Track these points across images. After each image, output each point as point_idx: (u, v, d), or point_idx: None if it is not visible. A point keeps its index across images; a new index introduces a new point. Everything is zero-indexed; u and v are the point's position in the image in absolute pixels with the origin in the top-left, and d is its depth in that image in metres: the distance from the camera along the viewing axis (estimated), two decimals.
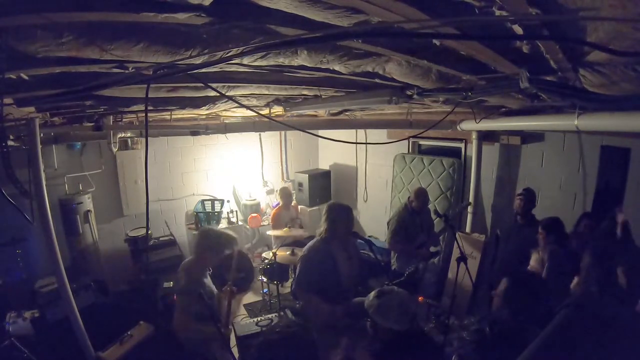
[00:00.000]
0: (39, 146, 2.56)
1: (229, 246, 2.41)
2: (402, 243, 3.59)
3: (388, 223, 3.79)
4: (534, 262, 2.24)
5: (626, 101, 1.58)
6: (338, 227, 2.58)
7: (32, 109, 2.26)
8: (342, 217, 2.61)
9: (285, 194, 5.18)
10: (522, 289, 1.65)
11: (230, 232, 2.50)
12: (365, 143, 5.49)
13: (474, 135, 4.12)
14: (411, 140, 5.02)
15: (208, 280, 2.42)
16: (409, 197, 3.73)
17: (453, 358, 1.44)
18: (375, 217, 5.63)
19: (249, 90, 2.17)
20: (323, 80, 1.94)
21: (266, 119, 3.06)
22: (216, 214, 5.25)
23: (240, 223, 5.51)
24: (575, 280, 2.16)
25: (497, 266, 3.42)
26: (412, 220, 3.62)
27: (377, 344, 1.68)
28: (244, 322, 3.21)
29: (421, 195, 3.62)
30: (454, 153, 4.63)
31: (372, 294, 1.80)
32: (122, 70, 1.38)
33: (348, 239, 2.71)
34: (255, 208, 5.69)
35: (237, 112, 3.62)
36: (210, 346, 2.26)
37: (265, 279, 4.41)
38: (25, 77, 1.45)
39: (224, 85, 1.97)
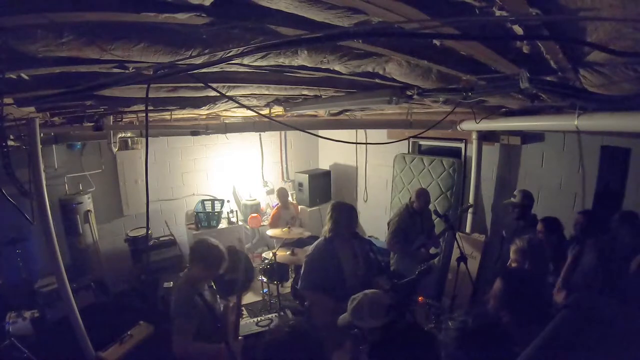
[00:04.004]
0: (39, 146, 2.56)
1: (220, 262, 2.18)
2: (402, 244, 3.59)
3: (388, 224, 3.78)
4: (512, 253, 2.27)
5: (626, 101, 1.58)
6: (342, 227, 2.59)
7: (32, 109, 2.26)
8: (345, 217, 2.61)
9: (282, 194, 5.21)
10: (520, 289, 1.65)
11: (222, 247, 2.24)
12: (365, 143, 5.49)
13: (474, 136, 4.12)
14: (411, 140, 5.02)
15: (204, 295, 2.19)
16: (410, 198, 3.72)
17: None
18: (375, 217, 5.63)
19: (249, 90, 2.17)
20: (323, 80, 1.94)
21: (266, 119, 3.07)
22: (216, 214, 5.25)
23: (240, 223, 5.51)
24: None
25: (500, 266, 3.42)
26: (412, 221, 3.62)
27: (369, 346, 1.70)
28: (244, 322, 3.21)
29: (422, 195, 3.61)
30: (454, 153, 4.63)
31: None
32: (122, 70, 1.38)
33: (353, 238, 2.72)
34: (255, 208, 5.69)
35: (237, 112, 3.62)
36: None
37: (265, 279, 4.41)
38: (25, 77, 1.45)
39: (224, 85, 1.97)
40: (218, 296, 2.37)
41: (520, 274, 1.94)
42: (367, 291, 1.82)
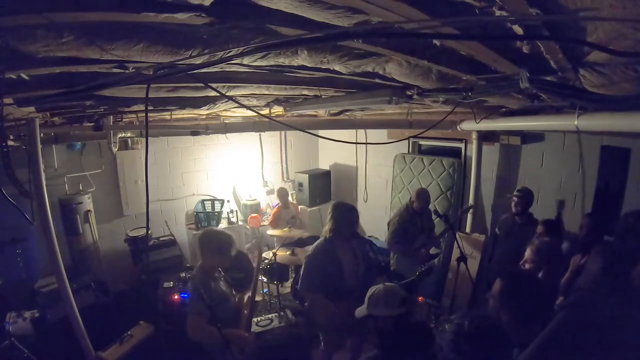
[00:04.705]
0: (39, 146, 2.56)
1: (229, 246, 2.29)
2: (402, 244, 3.58)
3: (389, 224, 3.78)
4: (530, 254, 2.27)
5: (626, 101, 1.58)
6: (342, 227, 2.58)
7: (32, 109, 2.26)
8: (346, 217, 2.61)
9: (282, 194, 5.23)
10: (522, 289, 1.65)
11: (231, 234, 2.39)
12: (365, 143, 5.49)
13: (474, 135, 4.12)
14: (411, 140, 5.02)
15: (219, 284, 2.30)
16: (410, 198, 3.72)
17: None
18: (375, 217, 5.63)
19: (249, 90, 2.16)
20: (323, 80, 1.94)
21: (266, 119, 3.07)
22: (216, 214, 5.25)
23: (240, 223, 5.50)
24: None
25: (495, 265, 3.42)
26: (412, 221, 3.62)
27: (378, 335, 1.76)
28: None
29: (422, 195, 3.61)
30: (454, 153, 4.63)
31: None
32: (122, 70, 1.38)
33: (353, 237, 2.72)
34: (255, 208, 5.69)
35: (237, 112, 3.62)
36: (227, 350, 2.16)
37: (265, 279, 4.41)
38: (25, 77, 1.45)
39: (224, 85, 1.97)
40: (233, 289, 2.44)
41: (519, 274, 1.94)
42: (386, 283, 1.95)
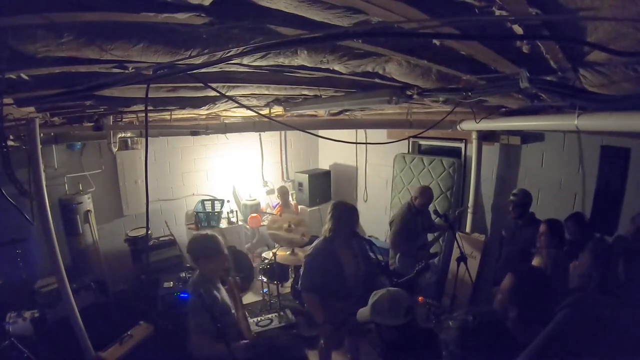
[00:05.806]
0: (39, 146, 2.56)
1: (219, 243, 2.19)
2: (405, 243, 3.58)
3: (391, 223, 3.78)
4: (536, 264, 2.26)
5: (626, 101, 1.58)
6: (342, 227, 2.58)
7: (32, 109, 2.26)
8: (346, 217, 2.60)
9: (282, 192, 5.26)
10: (531, 285, 1.64)
11: (214, 233, 2.25)
12: (365, 143, 5.49)
13: (474, 135, 4.12)
14: (411, 140, 5.02)
15: (220, 294, 2.20)
16: (412, 197, 3.72)
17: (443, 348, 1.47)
18: (375, 217, 5.63)
19: (249, 90, 2.16)
20: (323, 80, 1.93)
21: (266, 119, 3.07)
22: (216, 214, 5.25)
23: (240, 223, 5.51)
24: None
25: (501, 265, 3.42)
26: (414, 220, 3.62)
27: (382, 344, 1.72)
28: None
29: (425, 193, 3.61)
30: (454, 153, 4.63)
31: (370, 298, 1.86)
32: (122, 70, 1.38)
33: (352, 237, 2.71)
34: (255, 208, 5.69)
35: (237, 112, 3.62)
36: None
37: (265, 279, 4.41)
38: (25, 77, 1.44)
39: (224, 85, 1.97)
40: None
41: (530, 271, 1.93)
42: (390, 288, 1.85)
